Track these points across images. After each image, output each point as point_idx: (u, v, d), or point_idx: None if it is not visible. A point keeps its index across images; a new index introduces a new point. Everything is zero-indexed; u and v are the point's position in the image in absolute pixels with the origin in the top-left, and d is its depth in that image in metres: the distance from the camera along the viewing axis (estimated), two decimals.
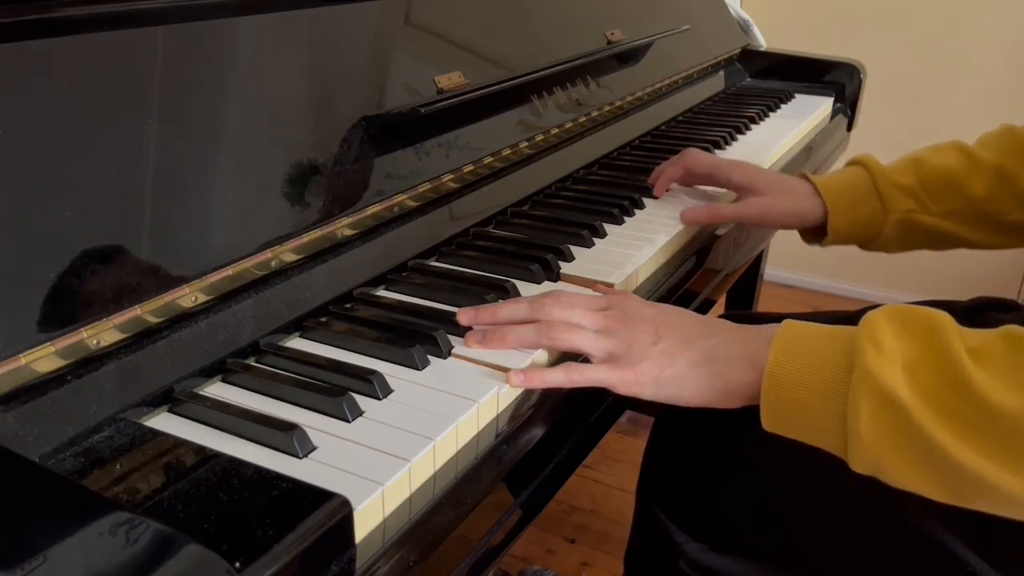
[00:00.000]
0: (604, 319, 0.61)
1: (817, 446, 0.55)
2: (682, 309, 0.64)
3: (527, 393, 0.58)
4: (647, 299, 0.67)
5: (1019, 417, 0.47)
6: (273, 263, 0.61)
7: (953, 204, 0.85)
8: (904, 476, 0.52)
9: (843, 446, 0.53)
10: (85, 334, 0.49)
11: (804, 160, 1.21)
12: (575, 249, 0.78)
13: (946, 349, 0.50)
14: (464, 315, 0.62)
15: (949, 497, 0.52)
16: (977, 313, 0.81)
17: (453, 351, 0.60)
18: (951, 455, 0.48)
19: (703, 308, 0.87)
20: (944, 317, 0.52)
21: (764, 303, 1.68)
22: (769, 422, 0.56)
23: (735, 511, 0.72)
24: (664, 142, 1.14)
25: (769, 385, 0.55)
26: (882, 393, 0.50)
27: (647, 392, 0.59)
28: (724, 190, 0.95)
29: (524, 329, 0.60)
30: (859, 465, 0.53)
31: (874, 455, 0.51)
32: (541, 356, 0.60)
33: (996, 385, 0.48)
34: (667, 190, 0.94)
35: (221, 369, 0.56)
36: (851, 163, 0.91)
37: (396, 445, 0.49)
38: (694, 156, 0.93)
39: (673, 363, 0.59)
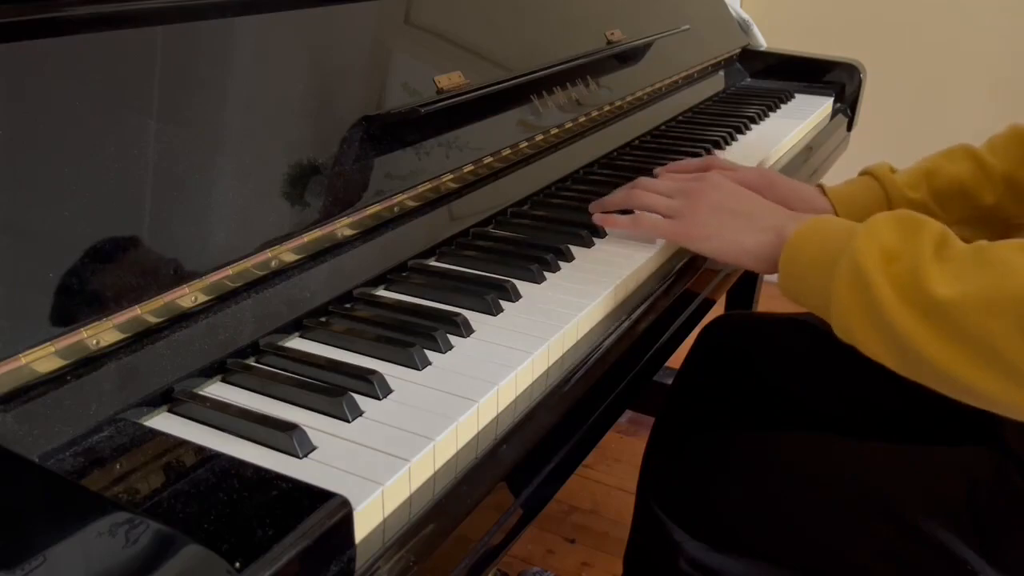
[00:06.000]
0: (678, 187, 0.77)
1: (816, 313, 0.65)
2: (744, 190, 0.76)
3: (527, 392, 0.58)
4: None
5: (950, 304, 0.55)
6: (273, 263, 0.61)
7: (964, 212, 0.85)
8: (870, 345, 0.60)
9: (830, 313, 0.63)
10: (85, 334, 0.49)
11: (804, 160, 1.21)
12: (575, 249, 0.78)
13: (919, 242, 0.59)
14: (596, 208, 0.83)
15: (903, 369, 0.60)
16: None
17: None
18: (900, 330, 0.57)
19: (703, 308, 0.87)
20: (937, 225, 0.61)
21: (764, 303, 1.68)
22: (784, 288, 0.68)
23: (734, 510, 0.72)
24: (664, 142, 1.14)
25: (786, 258, 0.66)
26: (857, 269, 0.59)
27: (694, 244, 0.74)
28: None
29: (617, 194, 0.81)
30: (838, 330, 0.62)
31: (847, 323, 0.61)
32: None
33: (942, 279, 0.56)
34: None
35: (221, 369, 0.56)
36: (863, 173, 0.89)
37: (396, 445, 0.49)
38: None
39: (721, 225, 0.72)
